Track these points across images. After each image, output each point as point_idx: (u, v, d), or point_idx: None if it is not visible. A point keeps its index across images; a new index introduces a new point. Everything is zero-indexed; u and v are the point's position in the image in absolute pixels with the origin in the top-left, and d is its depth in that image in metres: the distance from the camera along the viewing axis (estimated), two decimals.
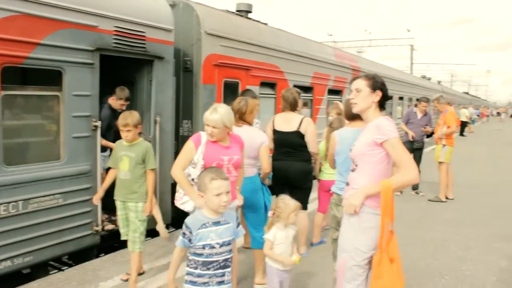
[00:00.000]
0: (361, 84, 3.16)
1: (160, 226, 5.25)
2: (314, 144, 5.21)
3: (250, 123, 4.60)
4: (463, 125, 27.79)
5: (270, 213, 3.88)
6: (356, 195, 3.02)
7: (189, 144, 3.77)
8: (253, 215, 4.68)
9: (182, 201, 3.81)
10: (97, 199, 4.92)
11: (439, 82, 39.38)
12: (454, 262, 5.55)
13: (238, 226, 3.06)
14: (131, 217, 4.59)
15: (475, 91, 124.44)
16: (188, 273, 2.92)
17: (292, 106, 5.13)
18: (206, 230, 2.86)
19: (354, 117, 3.88)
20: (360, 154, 3.10)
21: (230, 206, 3.81)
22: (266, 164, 4.55)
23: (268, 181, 4.88)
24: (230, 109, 3.84)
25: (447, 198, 8.94)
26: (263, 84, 8.62)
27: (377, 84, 3.15)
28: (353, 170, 3.19)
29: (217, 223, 2.90)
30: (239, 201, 4.05)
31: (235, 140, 3.93)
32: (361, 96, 3.14)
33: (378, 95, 3.14)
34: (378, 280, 2.93)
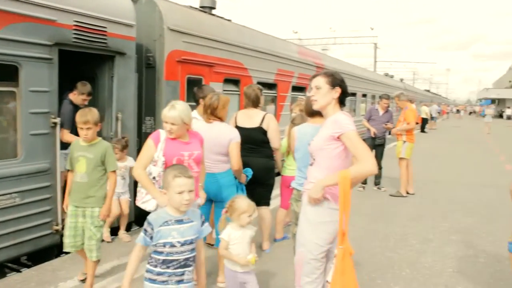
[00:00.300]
0: (321, 81, 3.21)
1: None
2: (277, 140, 5.24)
3: (222, 119, 4.55)
4: (424, 122, 28.52)
5: (223, 211, 3.83)
6: (315, 189, 3.05)
7: (148, 143, 3.74)
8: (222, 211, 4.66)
9: (143, 200, 3.75)
10: (66, 207, 4.49)
11: (401, 80, 40.23)
12: (414, 255, 5.69)
13: (203, 224, 3.04)
14: (87, 224, 4.26)
15: (436, 89, 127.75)
16: (148, 271, 2.88)
17: (254, 103, 5.15)
18: (168, 228, 2.83)
19: (314, 113, 3.92)
20: (317, 148, 3.14)
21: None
22: (234, 161, 4.49)
23: (244, 179, 4.81)
24: (188, 105, 3.82)
25: (408, 193, 9.14)
26: (227, 81, 8.60)
27: (336, 81, 3.21)
28: (311, 164, 3.23)
29: (180, 221, 2.87)
30: (201, 199, 4.03)
31: (194, 136, 3.92)
32: (321, 93, 3.20)
33: (337, 91, 3.20)
34: (343, 276, 2.93)
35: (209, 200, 4.59)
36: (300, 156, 3.92)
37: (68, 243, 4.30)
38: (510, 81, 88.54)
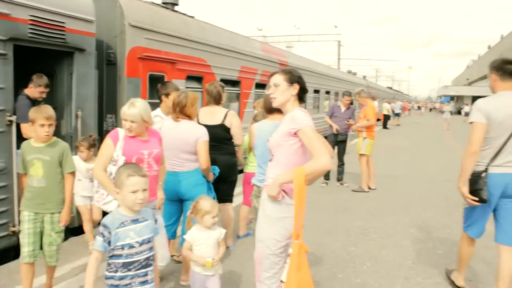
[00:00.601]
0: (279, 79, 3.24)
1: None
2: (240, 136, 5.24)
3: (191, 117, 4.50)
4: (386, 118, 29.12)
5: (188, 212, 3.78)
6: (272, 186, 3.05)
7: (107, 142, 3.68)
8: None
9: (105, 201, 3.68)
10: None
11: (364, 77, 40.83)
12: (374, 249, 5.80)
13: (156, 222, 3.01)
14: (46, 230, 4.01)
15: (398, 86, 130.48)
16: (108, 278, 2.79)
17: (216, 100, 5.13)
18: (125, 229, 2.76)
19: (272, 110, 3.95)
20: (276, 144, 3.15)
21: (149, 205, 3.77)
22: (202, 160, 4.42)
23: (212, 177, 4.78)
24: (147, 103, 3.79)
25: (369, 188, 9.32)
26: (190, 78, 8.55)
27: (294, 77, 3.23)
28: (270, 161, 3.25)
29: (135, 221, 2.82)
30: (159, 200, 3.98)
31: (153, 134, 3.88)
32: (280, 91, 3.21)
33: (296, 88, 3.22)
34: (299, 273, 2.92)
35: (179, 200, 4.56)
36: (260, 153, 3.94)
37: (27, 252, 3.96)
38: (467, 79, 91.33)
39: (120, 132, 3.71)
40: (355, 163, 10.17)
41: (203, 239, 3.63)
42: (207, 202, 3.68)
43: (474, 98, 66.03)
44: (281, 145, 3.11)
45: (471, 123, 4.04)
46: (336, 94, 21.10)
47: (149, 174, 3.68)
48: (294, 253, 2.94)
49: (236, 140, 5.23)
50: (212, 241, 3.66)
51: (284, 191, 3.07)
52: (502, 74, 4.04)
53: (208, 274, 3.62)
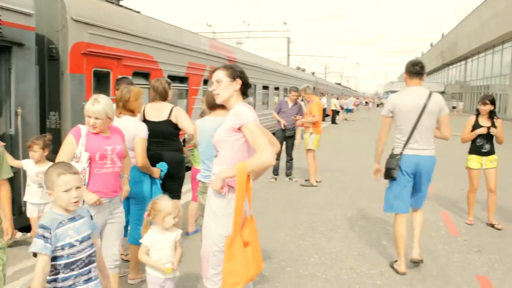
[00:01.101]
0: (221, 74, 3.22)
1: None
2: (190, 125, 5.11)
3: (134, 112, 4.43)
4: (334, 113, 29.72)
5: (145, 214, 3.65)
6: (215, 181, 3.06)
7: (68, 139, 3.55)
8: (135, 207, 4.57)
9: None
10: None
11: (313, 73, 41.44)
12: (322, 242, 5.92)
13: (92, 218, 2.93)
14: None
15: (346, 82, 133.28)
16: (50, 281, 2.65)
17: (162, 96, 5.07)
18: (63, 228, 2.64)
19: (213, 106, 3.95)
20: (220, 140, 3.14)
21: (114, 199, 3.73)
22: (138, 157, 4.33)
23: (158, 174, 4.70)
24: (110, 99, 3.71)
25: (316, 181, 9.50)
26: (136, 74, 8.40)
27: (236, 72, 3.23)
28: (215, 157, 3.24)
29: (73, 219, 2.71)
30: (124, 192, 3.93)
31: (115, 131, 3.82)
32: (222, 86, 3.20)
33: (238, 83, 3.22)
34: (229, 263, 2.94)
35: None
36: (203, 149, 3.92)
37: None
38: None
39: (82, 128, 3.61)
40: (302, 158, 10.33)
41: (161, 243, 3.52)
42: (167, 203, 3.55)
43: None
44: (225, 140, 3.10)
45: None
46: (285, 90, 21.31)
47: (113, 170, 3.68)
48: (226, 245, 2.98)
49: (187, 130, 5.14)
50: (170, 243, 3.56)
51: (231, 186, 3.08)
52: (410, 73, 4.94)
53: (168, 277, 3.55)
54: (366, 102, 71.60)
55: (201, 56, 11.31)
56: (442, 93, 68.12)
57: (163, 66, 9.32)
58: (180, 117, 5.07)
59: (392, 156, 4.89)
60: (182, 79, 10.42)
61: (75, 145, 3.53)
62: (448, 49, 60.99)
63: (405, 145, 4.81)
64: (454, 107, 52.50)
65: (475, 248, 5.79)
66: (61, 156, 3.52)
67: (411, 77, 4.93)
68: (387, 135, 4.99)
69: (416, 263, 4.99)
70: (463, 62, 58.72)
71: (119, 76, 6.74)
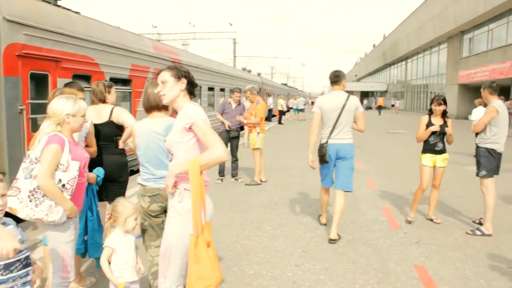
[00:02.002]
0: (165, 75, 3.21)
1: None
2: (131, 119, 5.01)
3: None
4: (281, 114, 30.08)
5: (106, 218, 3.65)
6: (167, 178, 3.03)
7: (55, 148, 3.35)
8: None
9: (53, 212, 3.37)
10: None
11: (259, 74, 41.71)
12: (268, 240, 5.99)
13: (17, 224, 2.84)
14: None
15: (293, 83, 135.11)
16: None
17: (100, 98, 4.99)
18: None
19: (150, 109, 3.91)
20: (173, 142, 3.11)
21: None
22: None
23: (94, 180, 4.58)
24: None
25: (261, 180, 9.60)
26: (76, 77, 8.16)
27: (181, 72, 3.22)
28: (170, 161, 3.19)
29: (5, 224, 2.66)
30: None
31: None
32: (168, 87, 3.18)
33: (183, 82, 3.21)
34: (197, 264, 2.89)
35: None
36: (142, 152, 3.86)
37: None
38: (356, 75, 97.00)
39: (63, 136, 3.45)
40: (247, 158, 10.39)
41: (126, 245, 3.51)
42: (128, 205, 3.56)
43: (363, 93, 70.06)
44: (179, 141, 3.07)
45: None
46: (231, 91, 21.34)
47: (82, 181, 3.59)
48: (191, 246, 2.92)
49: (127, 122, 5.03)
50: (132, 245, 3.56)
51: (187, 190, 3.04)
52: (331, 81, 6.29)
53: (135, 280, 3.55)
54: (312, 102, 72.91)
55: (144, 58, 11.16)
56: (385, 92, 70.52)
57: (105, 69, 9.14)
58: (122, 115, 4.99)
59: (321, 145, 6.13)
60: (125, 82, 10.25)
61: (61, 155, 3.38)
62: (390, 49, 63.04)
63: (329, 136, 6.07)
64: (392, 105, 54.55)
65: (414, 240, 6.03)
66: (49, 166, 3.30)
67: (333, 84, 6.28)
68: (317, 128, 6.20)
69: (331, 241, 5.94)
70: (403, 62, 60.83)
71: (69, 81, 6.54)
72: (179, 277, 3.16)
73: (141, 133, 3.85)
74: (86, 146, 4.59)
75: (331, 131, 6.04)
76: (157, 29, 53.39)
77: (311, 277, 4.82)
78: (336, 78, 6.24)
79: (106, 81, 5.40)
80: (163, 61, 12.21)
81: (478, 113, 13.67)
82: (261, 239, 6.02)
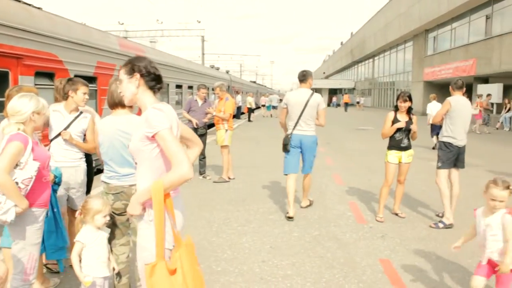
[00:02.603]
0: (121, 73, 2.89)
1: None
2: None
3: None
4: (250, 111, 30.11)
5: (77, 213, 3.59)
6: (131, 206, 2.77)
7: (18, 146, 3.25)
8: None
9: (3, 211, 3.23)
10: None
11: (227, 72, 41.63)
12: (235, 237, 5.99)
13: None
14: None
15: (262, 80, 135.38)
16: None
17: (62, 96, 4.91)
18: None
19: (114, 105, 3.85)
20: (136, 150, 2.80)
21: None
22: None
23: (51, 180, 4.48)
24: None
25: (229, 178, 9.61)
26: (39, 74, 8.00)
27: (133, 67, 2.85)
28: (135, 168, 2.95)
29: None
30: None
31: None
32: (124, 86, 2.88)
33: (136, 78, 2.84)
34: None
35: None
36: (105, 150, 3.79)
37: None
38: (324, 73, 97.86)
39: (27, 135, 3.36)
40: (215, 156, 10.36)
41: (97, 239, 3.51)
42: (97, 201, 3.53)
43: (331, 90, 70.60)
44: (142, 150, 2.76)
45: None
46: (197, 88, 21.23)
47: (46, 180, 3.55)
48: (146, 275, 2.65)
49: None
50: (105, 241, 3.56)
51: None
52: (299, 80, 7.04)
53: (105, 276, 3.55)
54: (280, 99, 73.39)
55: (110, 55, 11.00)
56: (353, 89, 71.38)
57: (69, 66, 8.97)
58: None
59: (286, 136, 6.98)
60: (91, 79, 10.07)
61: (23, 153, 3.28)
62: (357, 47, 63.84)
63: (294, 128, 6.89)
64: (358, 102, 55.43)
65: (380, 234, 6.14)
66: (9, 162, 3.19)
67: (300, 82, 7.03)
68: (284, 119, 7.16)
69: (303, 207, 7.43)
70: (371, 60, 61.72)
71: (31, 78, 6.40)
72: None
73: (105, 130, 3.78)
74: (84, 140, 4.77)
75: (296, 124, 6.87)
76: (124, 26, 52.64)
77: (278, 272, 4.85)
78: (303, 77, 6.98)
79: (69, 78, 5.29)
80: None
81: (432, 107, 15.10)
82: (228, 236, 6.03)
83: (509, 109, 24.08)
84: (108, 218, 3.58)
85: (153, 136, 2.65)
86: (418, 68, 40.21)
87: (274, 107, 37.64)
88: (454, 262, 5.15)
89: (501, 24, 26.83)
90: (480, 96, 23.92)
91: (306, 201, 7.55)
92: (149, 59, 2.94)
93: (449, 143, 6.57)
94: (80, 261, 3.50)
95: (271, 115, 35.79)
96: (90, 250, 3.49)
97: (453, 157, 6.56)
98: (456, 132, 6.53)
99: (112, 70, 11.06)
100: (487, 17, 28.10)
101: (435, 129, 13.41)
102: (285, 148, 6.94)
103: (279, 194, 8.44)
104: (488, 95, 24.25)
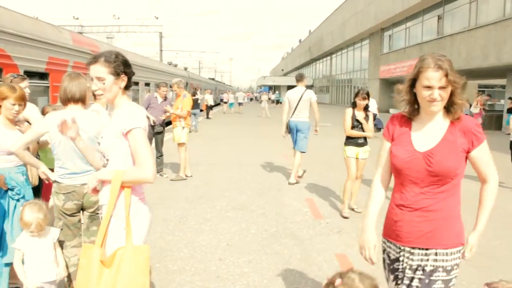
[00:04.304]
0: (102, 72, 2.74)
1: None
2: (37, 114, 4.86)
3: None
4: (208, 108, 29.96)
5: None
6: (90, 178, 2.76)
7: None
8: None
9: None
10: None
11: (185, 69, 41.27)
12: (192, 235, 5.94)
13: None
14: None
15: (220, 77, 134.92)
16: None
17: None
18: None
19: (67, 101, 3.75)
20: (109, 145, 2.75)
21: None
22: None
23: (2, 183, 4.29)
24: None
25: (186, 175, 9.53)
26: None
27: (120, 67, 2.79)
28: (104, 166, 2.86)
29: None
30: None
31: None
32: (107, 86, 2.75)
33: (123, 80, 2.81)
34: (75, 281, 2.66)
35: None
36: (56, 146, 3.69)
37: None
38: (282, 70, 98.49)
39: None
40: (172, 153, 10.24)
41: (38, 245, 3.37)
42: (26, 211, 3.35)
43: (289, 87, 71.48)
44: (116, 145, 2.71)
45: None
46: (157, 86, 20.93)
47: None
48: (81, 253, 2.67)
49: (31, 118, 4.82)
50: (50, 244, 3.43)
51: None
52: (296, 80, 9.28)
53: (48, 281, 3.43)
54: (251, 99, 73.72)
55: (63, 50, 10.67)
56: (311, 86, 72.16)
57: (18, 61, 8.64)
58: (27, 111, 4.76)
59: (287, 122, 9.21)
60: (42, 75, 9.75)
61: None
62: (315, 45, 64.51)
63: (292, 116, 9.11)
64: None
65: (336, 229, 6.23)
66: None
67: (297, 81, 9.22)
68: (286, 111, 9.20)
69: (290, 184, 9.11)
70: (328, 58, 62.50)
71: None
72: None
73: (56, 126, 3.66)
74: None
75: (293, 113, 9.10)
76: (79, 21, 51.29)
77: (234, 270, 4.84)
78: (300, 78, 9.28)
79: (18, 74, 5.10)
80: (84, 54, 11.73)
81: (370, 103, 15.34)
82: (185, 235, 5.97)
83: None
84: (44, 225, 3.39)
85: (127, 133, 2.64)
86: (374, 66, 41.02)
87: (240, 104, 37.72)
88: None
89: (451, 24, 27.72)
90: (480, 93, 22.48)
91: (292, 175, 9.26)
92: (122, 55, 2.89)
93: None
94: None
95: (241, 112, 35.90)
96: (32, 255, 3.37)
97: None
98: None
99: (66, 66, 10.73)
100: (439, 17, 28.95)
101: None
102: (287, 130, 9.25)
103: (236, 192, 8.42)
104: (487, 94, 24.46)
